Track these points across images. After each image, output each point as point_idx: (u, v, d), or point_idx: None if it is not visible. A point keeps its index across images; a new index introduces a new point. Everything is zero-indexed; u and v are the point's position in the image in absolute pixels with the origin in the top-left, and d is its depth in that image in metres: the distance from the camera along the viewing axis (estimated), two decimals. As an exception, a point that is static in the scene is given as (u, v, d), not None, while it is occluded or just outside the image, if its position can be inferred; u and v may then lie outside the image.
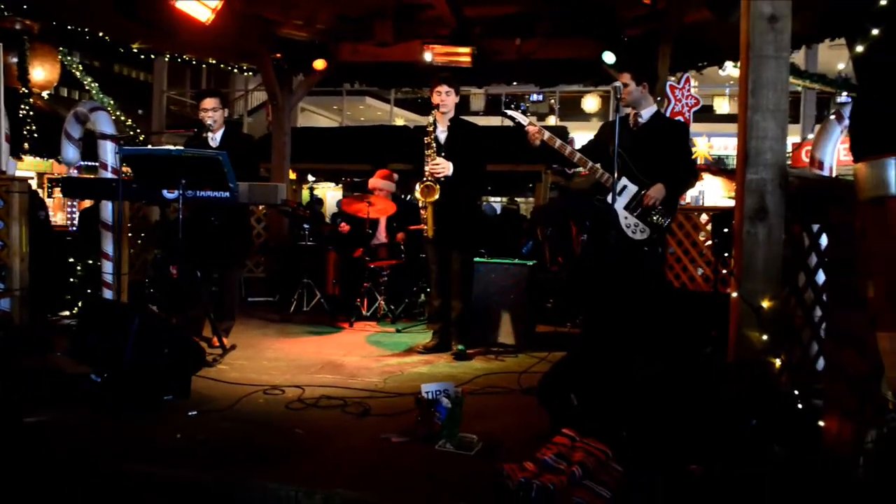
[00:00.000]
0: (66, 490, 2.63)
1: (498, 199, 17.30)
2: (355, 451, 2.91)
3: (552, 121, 22.05)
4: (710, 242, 6.22)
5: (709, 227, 6.30)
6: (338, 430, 3.17)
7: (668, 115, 7.05)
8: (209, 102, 4.70)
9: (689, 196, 12.94)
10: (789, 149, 11.98)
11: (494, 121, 18.72)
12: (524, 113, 4.20)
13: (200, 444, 2.94)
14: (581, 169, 4.17)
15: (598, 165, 4.07)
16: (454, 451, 2.91)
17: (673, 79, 7.50)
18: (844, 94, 7.47)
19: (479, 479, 2.60)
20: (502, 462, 2.59)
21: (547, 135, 4.13)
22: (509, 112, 4.23)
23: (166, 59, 8.78)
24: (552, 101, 21.77)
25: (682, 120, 7.05)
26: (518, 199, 14.05)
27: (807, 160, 5.44)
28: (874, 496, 2.25)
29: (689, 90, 7.12)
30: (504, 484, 2.46)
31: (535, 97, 23.91)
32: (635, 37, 6.82)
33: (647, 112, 4.19)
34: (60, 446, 2.85)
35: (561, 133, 12.74)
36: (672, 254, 6.65)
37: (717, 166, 15.51)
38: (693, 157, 5.15)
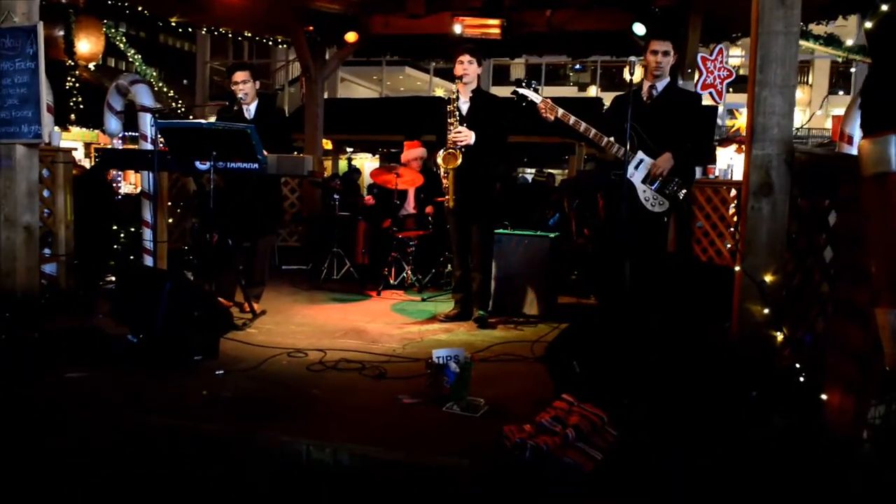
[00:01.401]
0: (95, 440, 2.87)
1: (531, 170, 17.27)
2: (367, 411, 3.09)
3: (593, 91, 21.78)
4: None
5: (736, 201, 6.27)
6: (353, 391, 3.35)
7: (699, 87, 6.94)
8: (239, 76, 4.87)
9: (718, 170, 12.69)
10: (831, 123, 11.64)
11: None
12: (536, 90, 4.20)
13: (224, 400, 3.16)
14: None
15: (612, 139, 4.07)
16: (460, 412, 3.06)
17: (705, 50, 7.36)
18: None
19: (481, 438, 2.74)
20: (504, 424, 2.72)
21: (560, 111, 4.13)
22: (521, 91, 4.18)
23: (203, 32, 8.99)
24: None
25: (713, 91, 6.94)
26: (553, 171, 13.98)
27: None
28: (877, 471, 2.31)
29: (721, 62, 6.98)
30: (502, 444, 2.60)
31: (578, 66, 23.62)
32: (665, 7, 6.74)
33: (661, 84, 4.18)
34: (93, 400, 3.09)
35: (595, 105, 12.61)
36: (700, 228, 6.62)
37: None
38: (710, 127, 5.10)
